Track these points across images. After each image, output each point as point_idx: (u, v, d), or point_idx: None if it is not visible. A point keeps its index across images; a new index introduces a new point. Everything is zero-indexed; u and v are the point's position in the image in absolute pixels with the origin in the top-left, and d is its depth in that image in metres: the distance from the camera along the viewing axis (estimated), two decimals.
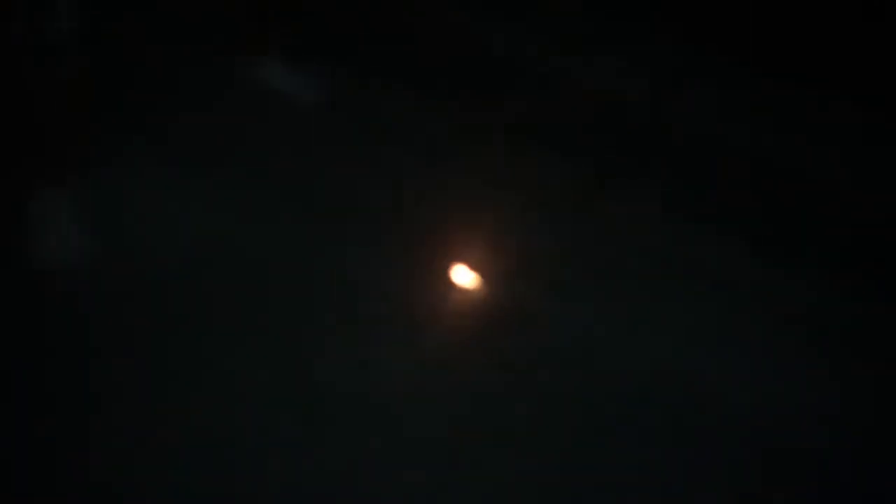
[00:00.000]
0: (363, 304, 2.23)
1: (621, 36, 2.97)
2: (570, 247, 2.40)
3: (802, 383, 2.15)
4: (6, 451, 1.89)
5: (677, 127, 2.74)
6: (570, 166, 2.61)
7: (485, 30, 2.93)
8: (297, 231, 2.37)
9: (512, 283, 2.31)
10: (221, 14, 2.69)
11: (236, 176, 2.48)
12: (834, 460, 2.02)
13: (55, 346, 2.08)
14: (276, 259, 2.30)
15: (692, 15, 2.88)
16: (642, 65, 2.89)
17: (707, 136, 2.71)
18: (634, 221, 2.49)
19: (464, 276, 2.30)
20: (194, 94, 2.63)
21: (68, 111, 2.16)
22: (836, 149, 2.72)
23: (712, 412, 2.06)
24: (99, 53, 2.39)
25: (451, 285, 2.30)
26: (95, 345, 2.09)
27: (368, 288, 2.26)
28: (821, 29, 2.81)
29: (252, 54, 2.67)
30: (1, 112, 2.15)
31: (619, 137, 2.71)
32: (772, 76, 2.84)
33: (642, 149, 2.68)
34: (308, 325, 2.17)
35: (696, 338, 2.22)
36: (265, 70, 2.67)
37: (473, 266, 2.31)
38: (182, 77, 2.65)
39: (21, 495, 1.84)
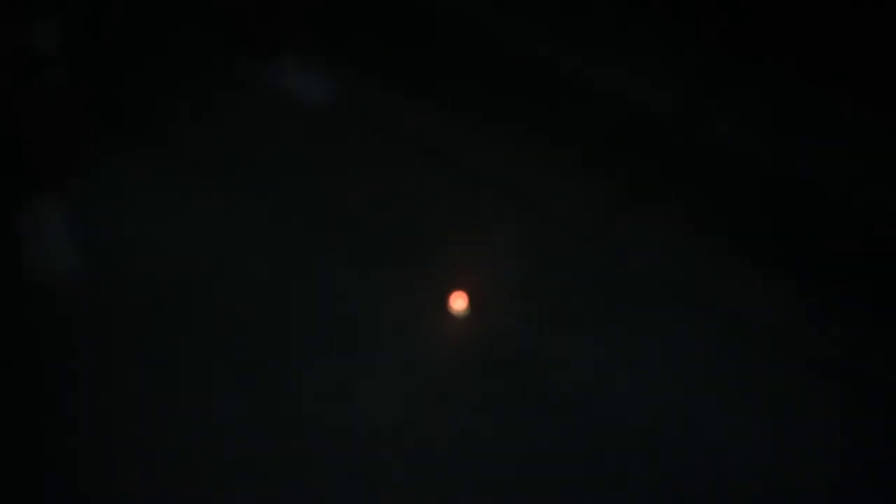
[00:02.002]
0: (354, 332, 2.15)
1: (648, 39, 2.82)
2: (579, 275, 2.29)
3: (816, 448, 2.03)
4: None
5: (705, 144, 2.60)
6: (589, 183, 2.49)
7: (501, 30, 2.80)
8: (294, 249, 2.29)
9: (513, 315, 2.21)
10: (225, 12, 2.60)
11: (237, 184, 2.40)
12: None
13: (42, 357, 2.06)
14: (271, 278, 2.23)
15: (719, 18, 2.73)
16: (670, 73, 2.75)
17: (737, 156, 2.57)
18: (651, 249, 2.36)
19: (461, 304, 2.20)
20: (196, 97, 2.54)
21: (63, 120, 2.10)
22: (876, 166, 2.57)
23: (712, 470, 1.96)
24: (97, 58, 2.33)
25: (447, 314, 2.20)
26: (79, 358, 2.06)
27: (361, 314, 2.18)
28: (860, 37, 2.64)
29: (258, 54, 2.58)
30: None
31: (644, 154, 2.57)
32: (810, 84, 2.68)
33: (666, 168, 2.54)
34: (296, 353, 2.10)
35: (706, 387, 2.10)
36: (271, 70, 2.57)
37: (473, 293, 2.21)
38: (184, 80, 2.57)
39: None
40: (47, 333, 2.10)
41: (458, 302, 2.19)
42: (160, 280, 2.20)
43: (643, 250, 2.36)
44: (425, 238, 2.31)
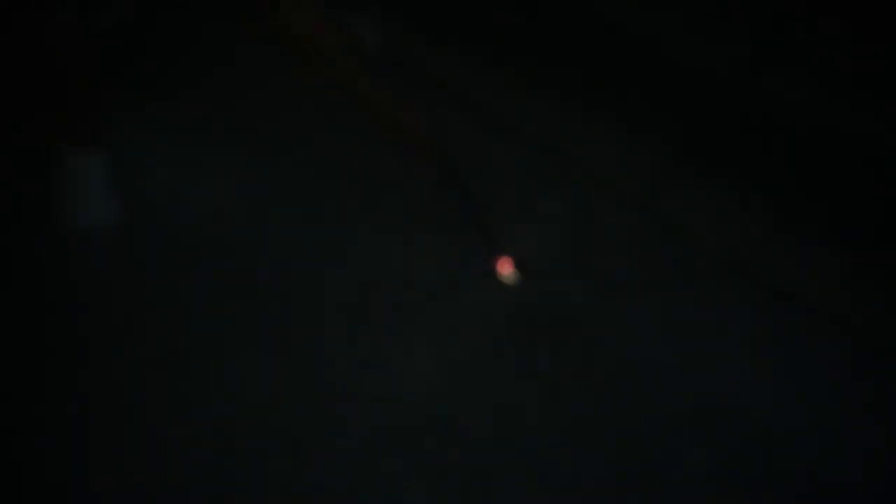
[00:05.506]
0: (386, 295, 2.08)
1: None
2: (629, 244, 2.20)
3: (870, 425, 1.93)
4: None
5: (762, 108, 2.48)
6: (643, 149, 2.39)
7: None
8: (332, 209, 2.22)
9: (558, 281, 2.12)
10: None
11: (274, 141, 2.34)
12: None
13: (74, 310, 2.02)
14: (296, 239, 2.17)
15: None
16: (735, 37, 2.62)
17: (796, 121, 2.45)
18: (705, 219, 2.26)
19: (504, 270, 2.12)
20: (225, 50, 2.48)
21: (96, 73, 2.06)
22: None
23: (763, 445, 1.87)
24: (131, 9, 2.26)
25: (488, 279, 2.12)
26: (110, 313, 2.02)
27: (394, 277, 2.11)
28: None
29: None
30: (29, 70, 2.07)
31: (697, 118, 2.46)
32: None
33: (720, 132, 2.43)
34: (325, 317, 2.03)
35: (757, 359, 2.01)
36: None
37: (516, 257, 2.13)
38: (217, 32, 2.49)
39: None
40: (79, 287, 2.07)
41: (504, 268, 2.11)
42: (193, 238, 2.15)
43: (695, 217, 2.27)
44: (470, 202, 2.23)
